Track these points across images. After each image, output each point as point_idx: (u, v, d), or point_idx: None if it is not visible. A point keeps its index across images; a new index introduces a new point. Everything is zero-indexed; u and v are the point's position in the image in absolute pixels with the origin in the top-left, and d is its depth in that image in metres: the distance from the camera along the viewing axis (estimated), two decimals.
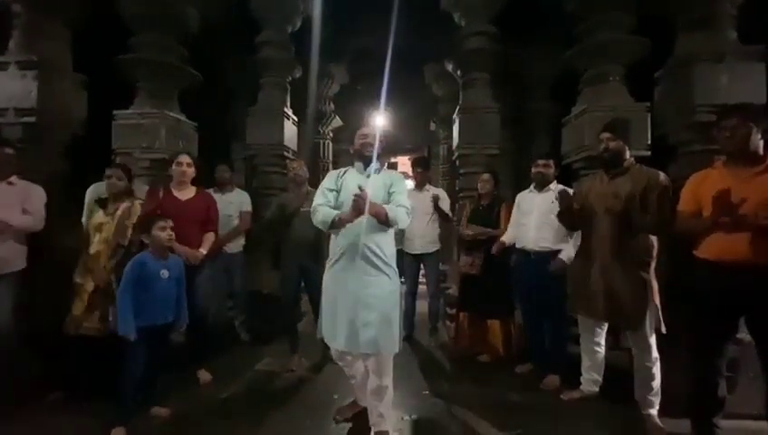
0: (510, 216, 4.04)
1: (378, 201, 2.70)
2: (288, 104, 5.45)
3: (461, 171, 5.13)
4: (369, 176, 2.80)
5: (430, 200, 4.66)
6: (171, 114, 4.36)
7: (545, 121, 6.68)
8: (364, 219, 2.66)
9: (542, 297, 3.66)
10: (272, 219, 3.99)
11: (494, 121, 5.02)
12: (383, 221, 2.64)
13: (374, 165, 2.85)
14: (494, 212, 4.18)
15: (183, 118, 4.53)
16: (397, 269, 2.87)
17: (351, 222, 2.66)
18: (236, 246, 4.60)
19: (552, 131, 6.43)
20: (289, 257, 3.93)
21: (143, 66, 4.25)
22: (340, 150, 9.43)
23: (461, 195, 5.11)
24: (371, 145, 2.88)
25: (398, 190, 2.83)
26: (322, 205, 2.86)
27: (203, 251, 3.49)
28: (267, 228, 4.24)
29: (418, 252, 4.75)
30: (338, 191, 2.90)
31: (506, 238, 3.95)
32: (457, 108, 5.17)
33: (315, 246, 3.89)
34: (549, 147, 6.31)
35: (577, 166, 4.25)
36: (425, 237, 4.74)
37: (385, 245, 2.78)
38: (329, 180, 2.93)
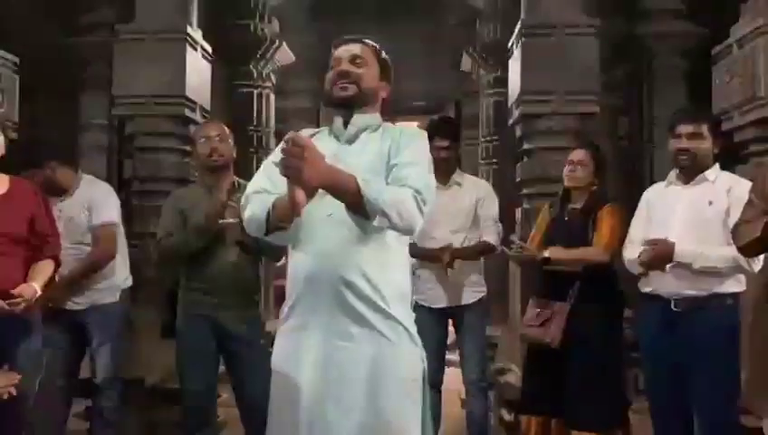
0: (616, 228, 3.18)
1: (365, 179, 1.82)
2: (194, 21, 4.19)
3: (526, 146, 4.09)
4: (350, 141, 2.00)
5: (467, 205, 3.58)
6: None
7: (676, 55, 5.25)
8: (327, 213, 1.86)
9: (695, 387, 2.81)
10: (169, 244, 3.05)
11: (590, 51, 3.85)
12: (358, 210, 1.76)
13: (362, 119, 2.00)
14: (590, 221, 3.25)
15: None
16: (412, 323, 2.00)
17: (295, 216, 1.73)
18: (99, 291, 3.46)
19: (689, 75, 5.22)
20: (194, 310, 3.04)
21: None
22: (289, 109, 7.60)
23: (525, 191, 4.11)
24: (351, 77, 1.97)
25: (407, 154, 1.91)
26: (259, 192, 1.96)
27: (35, 286, 2.59)
28: (164, 257, 3.25)
29: (444, 304, 3.57)
30: None
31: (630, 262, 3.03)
32: (517, 26, 4.03)
33: (246, 287, 3.09)
34: (687, 101, 5.03)
35: (743, 136, 3.39)
36: (456, 276, 3.54)
37: (382, 271, 1.93)
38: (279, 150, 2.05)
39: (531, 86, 3.90)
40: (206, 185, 3.17)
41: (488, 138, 6.02)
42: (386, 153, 1.93)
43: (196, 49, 4.15)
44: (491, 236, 3.62)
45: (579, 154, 3.33)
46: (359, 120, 1.97)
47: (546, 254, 3.25)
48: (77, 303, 3.42)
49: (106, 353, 3.48)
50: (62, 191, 3.46)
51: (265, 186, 1.95)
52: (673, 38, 5.28)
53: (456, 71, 6.87)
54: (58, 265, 2.81)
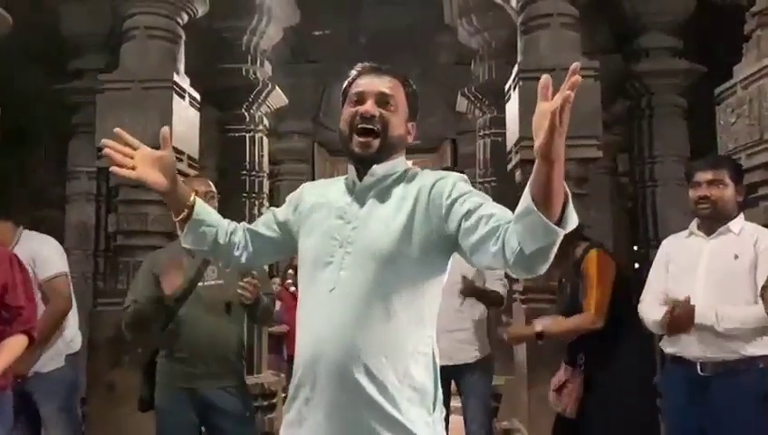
0: (604, 282, 2.88)
1: (372, 259, 1.54)
2: (181, 69, 4.08)
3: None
4: (364, 194, 1.62)
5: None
6: None
7: (675, 92, 5.17)
8: (328, 287, 1.56)
9: None
10: (131, 311, 2.78)
11: (591, 94, 3.68)
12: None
13: (382, 168, 1.62)
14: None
15: None
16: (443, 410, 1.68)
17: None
18: (50, 356, 3.18)
19: (688, 112, 5.19)
20: (173, 382, 2.78)
21: None
22: (283, 150, 7.37)
23: None
24: (376, 124, 1.60)
25: (472, 196, 1.53)
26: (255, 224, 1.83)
27: None
28: (130, 327, 2.83)
29: (447, 363, 2.84)
30: (291, 211, 1.77)
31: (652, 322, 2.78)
32: (515, 70, 3.89)
33: (229, 353, 2.79)
34: (687, 138, 5.05)
35: (752, 179, 3.16)
36: (458, 334, 3.38)
37: (393, 363, 1.55)
38: (295, 193, 1.82)
39: (530, 131, 3.63)
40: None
41: (486, 179, 5.77)
42: (410, 203, 1.56)
43: (183, 97, 3.99)
44: (499, 289, 3.47)
45: None
46: (378, 170, 1.59)
47: (538, 328, 3.01)
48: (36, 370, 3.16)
49: (59, 427, 3.23)
50: None
51: (261, 221, 1.80)
52: (671, 75, 5.21)
53: (451, 109, 6.65)
54: (32, 340, 2.50)
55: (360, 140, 1.57)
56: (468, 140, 7.14)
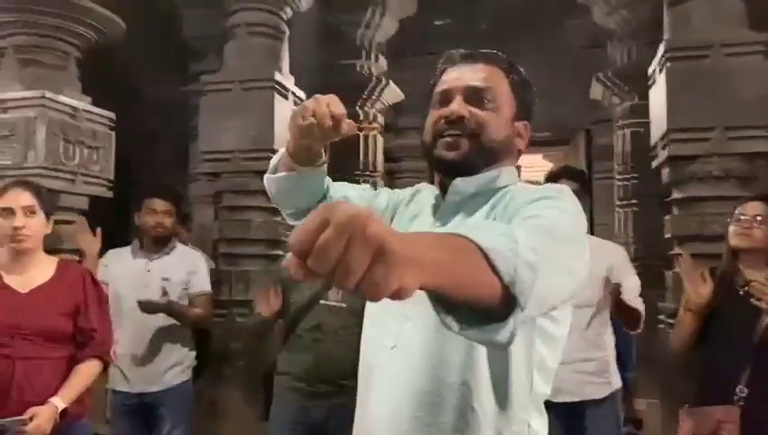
0: None
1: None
2: (284, 67, 3.83)
3: (676, 195, 3.34)
4: (447, 216, 1.23)
5: (595, 275, 2.73)
6: (61, 99, 3.36)
7: None
8: (390, 343, 1.17)
9: None
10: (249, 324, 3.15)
11: (757, 74, 3.06)
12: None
13: (473, 182, 1.22)
14: None
15: (87, 104, 3.53)
16: None
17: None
18: (173, 371, 3.09)
19: None
20: (288, 400, 2.72)
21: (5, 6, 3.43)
22: (404, 148, 6.78)
23: (677, 251, 3.20)
24: (467, 126, 1.19)
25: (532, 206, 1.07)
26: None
27: (55, 405, 2.12)
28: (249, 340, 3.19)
29: (567, 399, 2.69)
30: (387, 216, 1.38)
31: None
32: (661, 48, 3.27)
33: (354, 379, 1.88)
34: None
35: None
36: (583, 365, 2.75)
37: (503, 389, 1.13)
38: (408, 190, 1.44)
39: (680, 121, 3.16)
40: None
41: (625, 175, 5.15)
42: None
43: (286, 97, 3.77)
44: (639, 306, 2.81)
45: (755, 208, 2.53)
46: (464, 185, 1.21)
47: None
48: (148, 384, 3.08)
49: None
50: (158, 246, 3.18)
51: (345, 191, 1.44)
52: None
53: (584, 97, 5.99)
54: (106, 365, 2.36)
55: (447, 140, 1.19)
56: (604, 130, 6.48)
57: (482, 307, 0.80)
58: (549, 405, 2.73)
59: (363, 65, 5.21)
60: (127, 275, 3.08)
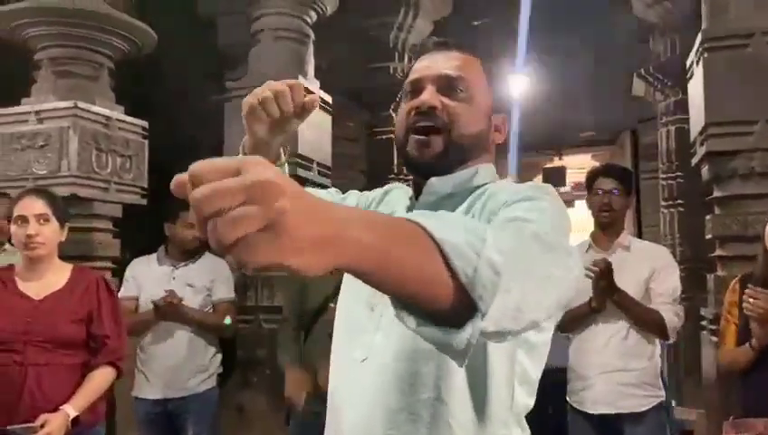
0: None
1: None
2: (309, 71, 3.81)
3: (716, 193, 3.20)
4: (418, 206, 1.13)
5: (638, 278, 2.65)
6: (94, 109, 3.41)
7: None
8: (360, 356, 1.08)
9: None
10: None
11: None
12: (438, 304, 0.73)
13: (449, 181, 1.13)
14: None
15: (119, 114, 3.60)
16: None
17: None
18: (207, 376, 3.11)
19: None
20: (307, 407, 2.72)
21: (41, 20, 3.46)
22: None
23: (719, 253, 3.16)
24: (439, 118, 1.09)
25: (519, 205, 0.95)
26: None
27: (66, 412, 2.12)
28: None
29: (604, 410, 2.64)
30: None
31: None
32: (698, 38, 3.09)
33: None
34: None
35: None
36: (621, 375, 2.66)
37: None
38: (379, 191, 1.35)
39: (719, 114, 2.98)
40: None
41: (670, 174, 4.95)
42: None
43: None
44: (667, 314, 2.63)
45: None
46: (440, 185, 1.11)
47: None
48: (173, 390, 3.08)
49: None
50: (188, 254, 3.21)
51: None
52: None
53: (629, 95, 5.82)
54: (119, 372, 2.34)
55: (417, 137, 1.10)
56: (650, 128, 6.33)
57: (438, 309, 0.70)
58: (586, 416, 2.62)
59: (396, 67, 5.15)
60: (153, 281, 3.09)
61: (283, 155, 1.24)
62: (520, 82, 6.41)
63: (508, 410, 1.06)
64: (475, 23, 6.66)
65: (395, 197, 1.29)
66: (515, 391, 1.07)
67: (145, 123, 3.87)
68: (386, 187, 1.36)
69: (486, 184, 1.13)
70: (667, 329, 2.64)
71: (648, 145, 6.45)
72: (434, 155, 1.09)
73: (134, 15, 3.88)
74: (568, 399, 2.86)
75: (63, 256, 3.01)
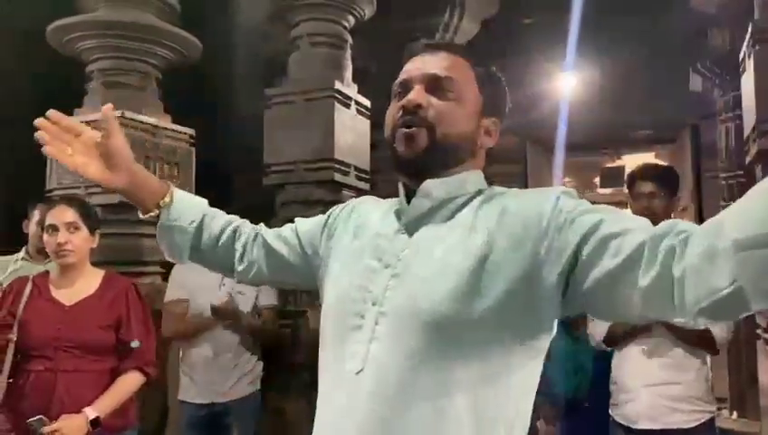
0: None
1: (418, 327, 0.99)
2: (347, 76, 3.78)
3: None
4: (415, 224, 1.10)
5: None
6: (141, 118, 3.53)
7: None
8: (355, 367, 1.04)
9: None
10: None
11: None
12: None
13: (440, 185, 1.10)
14: None
15: (167, 122, 3.71)
16: None
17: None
18: (251, 380, 3.14)
19: None
20: None
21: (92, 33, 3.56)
22: (493, 153, 5.03)
23: None
24: (422, 117, 1.09)
25: (568, 210, 0.99)
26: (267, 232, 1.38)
27: (87, 414, 2.12)
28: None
29: (648, 426, 2.49)
30: (323, 239, 1.28)
31: None
32: (749, 30, 2.91)
33: None
34: None
35: None
36: (667, 388, 2.50)
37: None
38: (338, 208, 1.34)
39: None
40: None
41: (730, 173, 4.65)
42: (483, 237, 1.01)
43: (348, 106, 3.70)
44: (714, 329, 2.45)
45: None
46: (435, 189, 1.09)
47: None
48: (218, 395, 3.08)
49: None
50: None
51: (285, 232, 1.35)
52: None
53: (689, 91, 5.50)
54: (147, 377, 2.35)
55: (403, 130, 1.09)
56: (711, 125, 5.82)
57: None
58: (629, 431, 2.48)
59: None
60: (202, 287, 3.08)
61: (167, 197, 1.27)
62: (570, 81, 6.20)
63: (523, 418, 1.04)
64: (526, 21, 6.51)
65: (365, 208, 1.26)
66: (524, 398, 1.04)
67: (192, 131, 3.95)
68: (350, 201, 1.33)
69: (482, 191, 1.11)
70: (716, 344, 2.49)
71: (710, 143, 6.01)
72: (420, 150, 1.07)
73: (180, 26, 3.95)
74: (611, 412, 2.71)
75: (111, 262, 3.10)
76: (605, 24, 5.69)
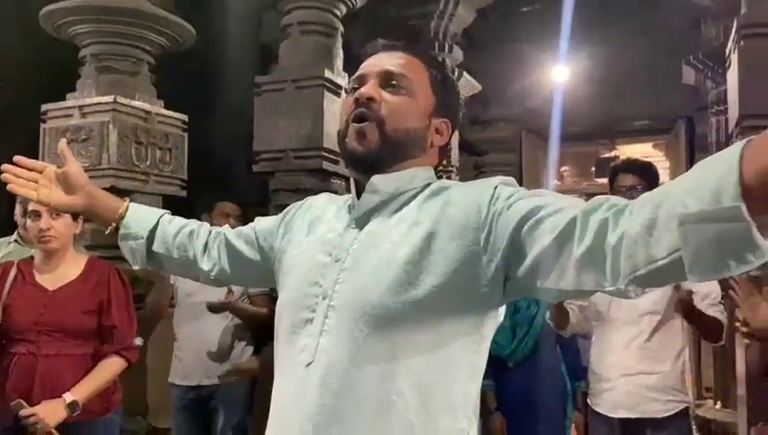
0: None
1: (364, 319, 1.03)
2: (338, 64, 3.79)
3: None
4: (364, 219, 1.14)
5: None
6: (133, 103, 3.56)
7: None
8: (305, 360, 1.08)
9: None
10: None
11: None
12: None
13: (389, 180, 1.14)
14: None
15: (159, 108, 3.75)
16: None
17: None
18: (232, 366, 3.17)
19: None
20: None
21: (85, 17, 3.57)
22: (488, 141, 6.65)
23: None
24: (374, 111, 1.13)
25: (506, 196, 1.04)
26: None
27: (67, 399, 2.14)
28: None
29: (624, 414, 2.56)
30: (279, 235, 1.31)
31: None
32: (734, 24, 2.97)
33: None
34: None
35: None
36: (644, 378, 2.56)
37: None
38: (295, 205, 1.37)
39: (755, 107, 2.79)
40: None
41: None
42: (426, 229, 1.04)
43: (338, 95, 3.65)
44: (717, 315, 2.51)
45: None
46: (383, 184, 1.13)
47: None
48: (206, 377, 3.13)
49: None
50: None
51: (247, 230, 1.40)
52: None
53: (677, 83, 5.54)
54: (128, 361, 2.36)
55: (355, 125, 1.12)
56: (706, 118, 5.77)
57: None
58: (606, 420, 2.54)
59: (437, 57, 5.00)
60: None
61: (119, 220, 1.35)
62: (565, 70, 6.21)
63: (470, 400, 1.08)
64: (523, 9, 6.49)
65: (319, 203, 1.31)
66: (471, 382, 1.08)
67: (184, 117, 3.95)
68: (305, 199, 1.37)
69: (430, 184, 1.14)
70: (722, 327, 2.54)
71: (704, 135, 6.02)
72: (372, 146, 1.11)
73: (174, 12, 3.93)
74: (589, 401, 2.79)
75: (97, 247, 3.13)
76: (602, 14, 5.69)
